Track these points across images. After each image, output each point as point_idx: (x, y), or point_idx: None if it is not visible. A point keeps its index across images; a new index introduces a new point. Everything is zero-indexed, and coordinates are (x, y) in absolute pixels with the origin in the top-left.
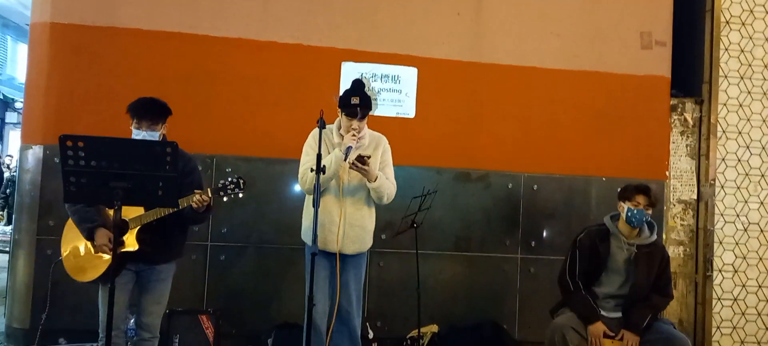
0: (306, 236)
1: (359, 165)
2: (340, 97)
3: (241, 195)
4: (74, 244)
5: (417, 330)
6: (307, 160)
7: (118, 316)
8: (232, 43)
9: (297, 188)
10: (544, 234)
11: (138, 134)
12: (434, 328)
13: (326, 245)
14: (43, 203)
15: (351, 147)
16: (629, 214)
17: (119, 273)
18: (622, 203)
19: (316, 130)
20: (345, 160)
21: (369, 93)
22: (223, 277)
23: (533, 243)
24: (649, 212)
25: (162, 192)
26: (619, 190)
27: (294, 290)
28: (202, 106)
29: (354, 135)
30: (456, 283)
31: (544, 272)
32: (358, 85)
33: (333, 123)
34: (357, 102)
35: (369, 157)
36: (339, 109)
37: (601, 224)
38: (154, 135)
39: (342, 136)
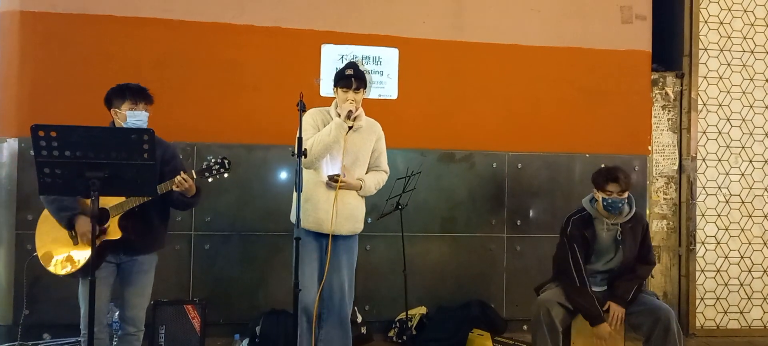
0: (295, 216)
1: (333, 184)
2: (335, 74)
3: (226, 175)
4: (50, 236)
5: (405, 312)
6: (308, 134)
7: (100, 310)
8: (209, 27)
9: (283, 175)
10: (530, 212)
11: (134, 115)
12: (423, 309)
13: (320, 225)
14: (20, 196)
15: (352, 111)
16: (605, 204)
17: (99, 265)
18: (597, 192)
19: (315, 110)
20: (346, 119)
21: (365, 73)
22: (208, 266)
23: (519, 222)
24: (625, 195)
25: (140, 180)
26: (593, 175)
27: (281, 277)
28: (179, 94)
29: (352, 102)
30: (443, 264)
31: (531, 251)
32: (351, 62)
33: (312, 108)
34: (351, 73)
35: (338, 175)
36: (334, 88)
37: (581, 210)
38: (146, 116)
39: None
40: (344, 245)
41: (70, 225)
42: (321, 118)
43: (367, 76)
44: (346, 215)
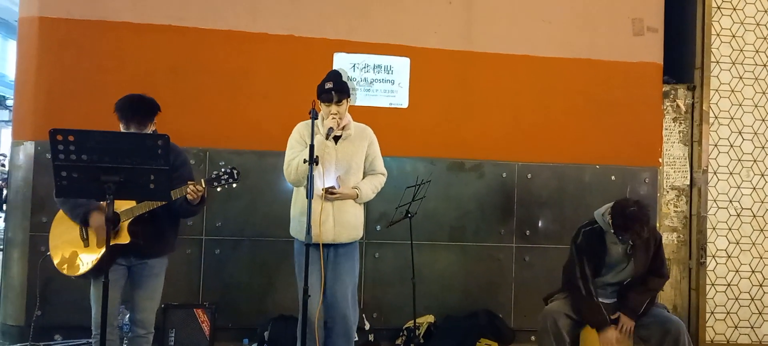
0: (295, 230)
1: (330, 197)
2: (317, 87)
3: (235, 185)
4: (63, 238)
5: (413, 321)
6: (291, 153)
7: (111, 312)
8: (222, 35)
9: None
10: (539, 223)
11: None
12: (430, 318)
13: (317, 238)
14: (35, 199)
15: (332, 128)
16: (618, 238)
17: (110, 267)
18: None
19: (300, 124)
20: (326, 138)
21: (346, 82)
22: (218, 271)
23: (528, 232)
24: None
25: (154, 185)
26: (615, 206)
27: (289, 282)
28: (192, 100)
29: (334, 118)
30: (451, 273)
31: (539, 261)
32: (332, 74)
33: (301, 122)
34: (331, 86)
35: (333, 188)
36: (318, 101)
37: (593, 223)
38: None
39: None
40: (344, 253)
41: (84, 221)
42: (307, 132)
43: (349, 83)
44: (343, 224)
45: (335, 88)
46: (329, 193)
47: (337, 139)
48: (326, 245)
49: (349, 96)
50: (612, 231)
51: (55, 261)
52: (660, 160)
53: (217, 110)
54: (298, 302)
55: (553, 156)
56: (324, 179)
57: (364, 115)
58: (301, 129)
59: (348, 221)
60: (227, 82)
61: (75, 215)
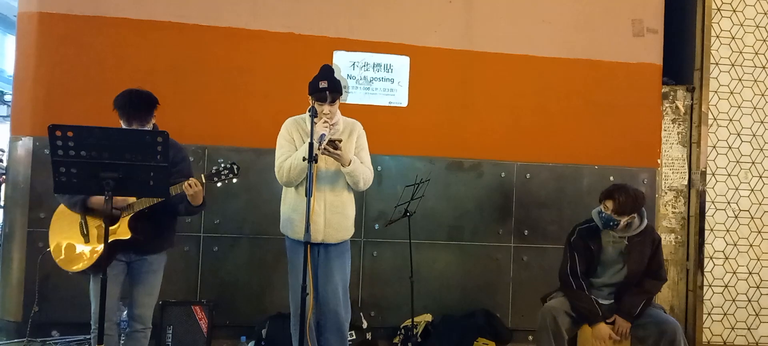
0: (285, 227)
1: (331, 150)
2: (310, 83)
3: (235, 180)
4: (62, 234)
5: (411, 319)
6: (281, 153)
7: (109, 308)
8: (223, 32)
9: None
10: (537, 223)
11: None
12: (428, 317)
13: (315, 235)
14: (33, 194)
15: (324, 135)
16: (600, 217)
17: (110, 263)
18: (600, 204)
19: (289, 121)
20: (319, 147)
21: (339, 80)
22: (216, 268)
23: (526, 232)
24: (623, 219)
25: (153, 182)
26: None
27: (287, 280)
28: (192, 97)
29: (326, 121)
30: (449, 272)
31: (537, 261)
32: (326, 70)
33: (289, 118)
34: (325, 86)
35: (340, 141)
36: (310, 97)
37: (589, 221)
38: None
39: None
40: (335, 251)
41: (84, 207)
42: (296, 129)
43: (342, 80)
44: (335, 225)
45: (330, 88)
46: (333, 148)
47: (332, 142)
48: (316, 244)
49: (341, 93)
50: (607, 224)
51: (55, 257)
52: (659, 161)
53: (216, 107)
54: (296, 300)
55: (552, 156)
56: (315, 178)
57: (363, 113)
58: (289, 127)
59: (339, 222)
60: (227, 80)
61: (73, 204)
